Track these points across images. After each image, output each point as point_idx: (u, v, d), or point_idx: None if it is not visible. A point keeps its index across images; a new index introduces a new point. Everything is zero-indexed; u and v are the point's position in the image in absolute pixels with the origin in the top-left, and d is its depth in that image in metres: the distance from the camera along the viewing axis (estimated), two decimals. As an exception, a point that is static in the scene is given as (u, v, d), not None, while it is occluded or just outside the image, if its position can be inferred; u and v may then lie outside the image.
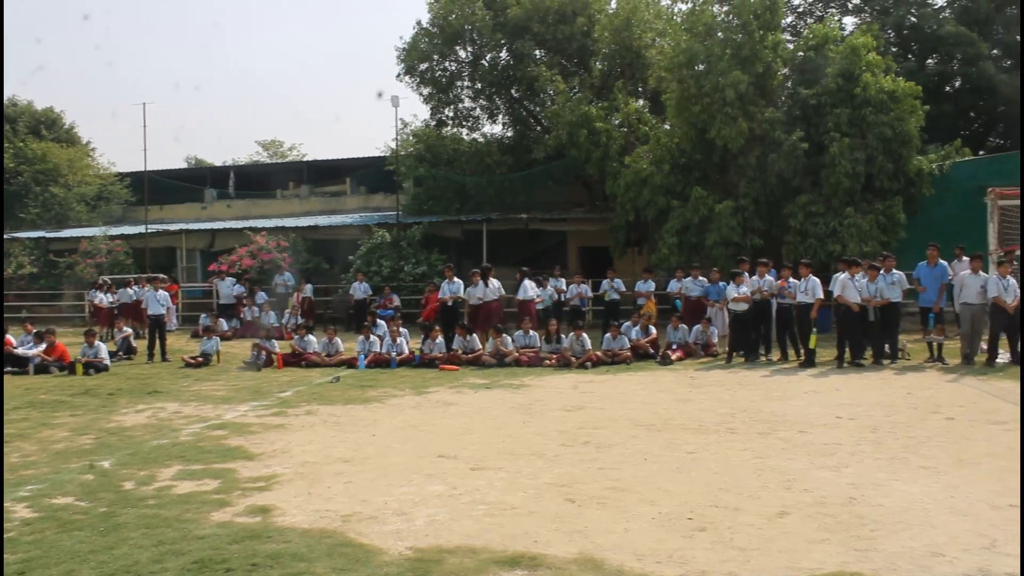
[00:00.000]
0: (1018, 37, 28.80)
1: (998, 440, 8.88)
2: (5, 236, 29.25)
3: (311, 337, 17.56)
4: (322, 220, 29.73)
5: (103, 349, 16.98)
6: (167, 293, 19.47)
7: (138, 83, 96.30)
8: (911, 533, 6.01)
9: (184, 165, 51.81)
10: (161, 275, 22.99)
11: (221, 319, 21.89)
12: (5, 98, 35.74)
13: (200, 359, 17.19)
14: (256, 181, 36.89)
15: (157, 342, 18.30)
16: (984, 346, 14.81)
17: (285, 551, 5.81)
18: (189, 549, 5.87)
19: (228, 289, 24.00)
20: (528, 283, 18.52)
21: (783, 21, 24.07)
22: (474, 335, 16.77)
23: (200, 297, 28.11)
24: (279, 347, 17.62)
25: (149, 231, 28.94)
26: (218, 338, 18.39)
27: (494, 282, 18.00)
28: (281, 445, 9.37)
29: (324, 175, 36.72)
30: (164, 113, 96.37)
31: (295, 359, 16.94)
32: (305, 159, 50.15)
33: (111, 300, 22.94)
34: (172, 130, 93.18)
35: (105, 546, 5.97)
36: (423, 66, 29.45)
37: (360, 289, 22.95)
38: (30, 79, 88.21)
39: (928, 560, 5.50)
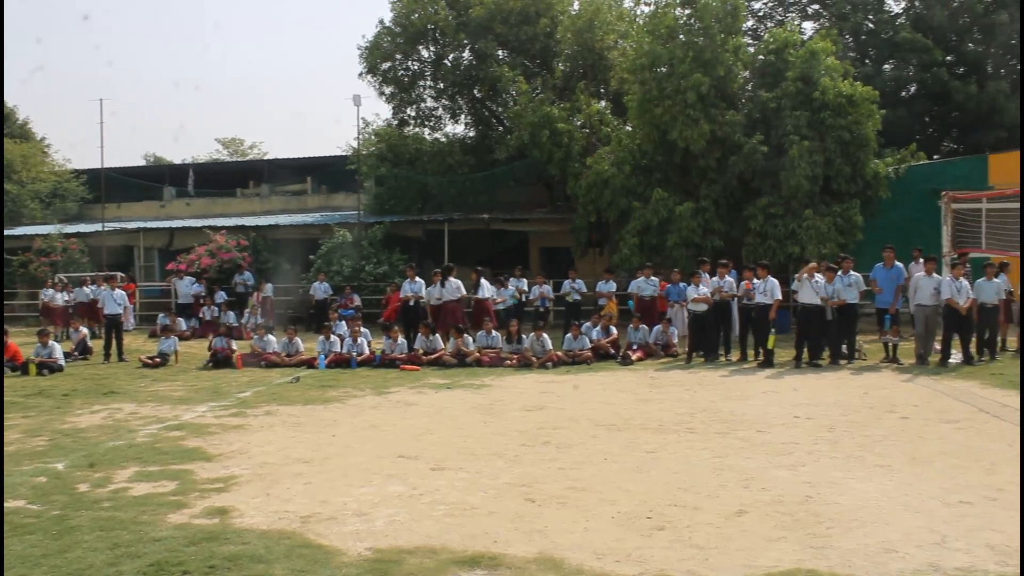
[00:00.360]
0: (971, 45, 29.36)
1: (951, 439, 9.06)
2: None
3: (271, 337, 17.42)
4: (283, 219, 29.51)
5: (57, 349, 16.68)
6: (124, 292, 19.22)
7: (95, 79, 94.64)
8: (866, 530, 6.10)
9: (143, 163, 51.12)
10: (118, 274, 22.67)
11: (179, 319, 21.66)
12: None
13: (158, 359, 16.98)
14: (216, 179, 36.50)
15: (114, 342, 18.04)
16: (938, 347, 15.07)
17: (243, 553, 5.75)
18: (145, 552, 5.79)
19: (186, 288, 23.76)
20: (484, 282, 18.54)
21: (744, 25, 24.30)
22: (436, 335, 16.74)
23: (158, 296, 27.74)
24: (238, 347, 17.46)
25: (106, 229, 28.50)
26: (176, 338, 18.17)
27: (454, 282, 18.02)
28: (240, 446, 9.28)
29: (285, 174, 36.42)
30: (122, 110, 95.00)
31: (255, 359, 16.78)
32: (266, 158, 49.73)
33: (67, 299, 22.58)
34: (130, 127, 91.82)
35: (58, 550, 5.86)
36: (385, 65, 29.33)
37: (320, 289, 22.81)
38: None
39: (882, 557, 5.58)
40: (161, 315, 22.09)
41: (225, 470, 8.15)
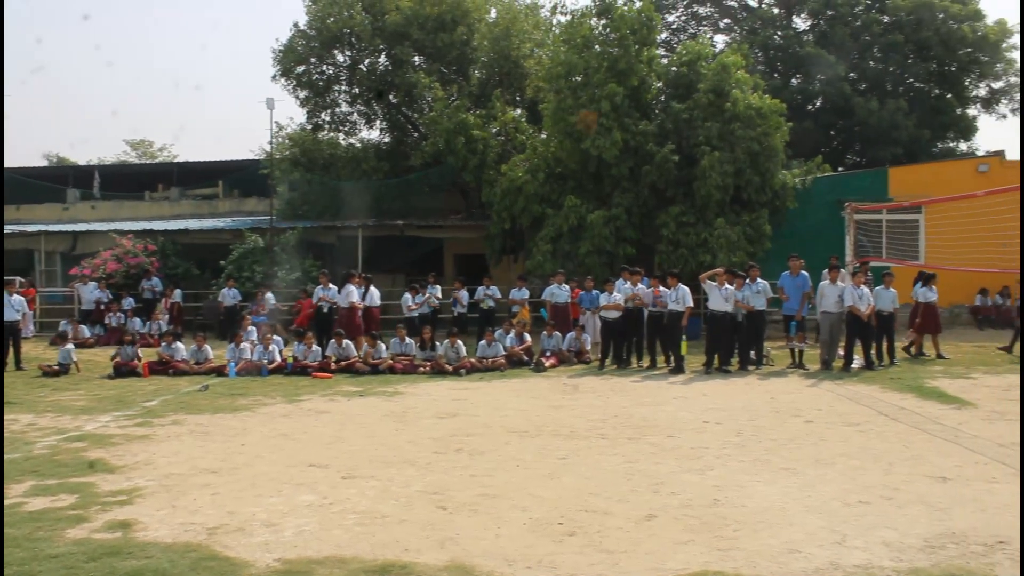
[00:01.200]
0: (872, 63, 30.48)
1: (852, 441, 9.37)
2: None
3: (179, 344, 16.97)
4: (193, 223, 28.80)
5: (-50, 358, 15.96)
6: (22, 298, 18.48)
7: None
8: (770, 532, 6.26)
9: (44, 163, 49.35)
10: (16, 279, 21.80)
11: (82, 326, 20.95)
12: None
13: (57, 367, 16.37)
14: (123, 182, 35.43)
15: (11, 350, 17.32)
16: (841, 352, 15.56)
17: (146, 567, 5.61)
18: (40, 570, 5.58)
19: (90, 294, 22.99)
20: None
21: (658, 37, 24.70)
22: (349, 342, 16.58)
23: (61, 302, 26.77)
24: (144, 355, 16.97)
25: (4, 232, 27.38)
26: (72, 345, 17.41)
27: (350, 288, 18.13)
28: (145, 457, 9.02)
29: (195, 177, 35.56)
30: (21, 106, 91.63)
31: (162, 367, 16.34)
32: (176, 160, 48.53)
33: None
34: (29, 124, 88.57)
35: (-56, 570, 5.61)
36: (300, 69, 28.91)
37: (230, 295, 22.35)
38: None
39: (785, 557, 5.74)
40: (63, 322, 21.33)
41: (129, 482, 7.92)
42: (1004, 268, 17.19)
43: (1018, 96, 30.93)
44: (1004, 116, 31.67)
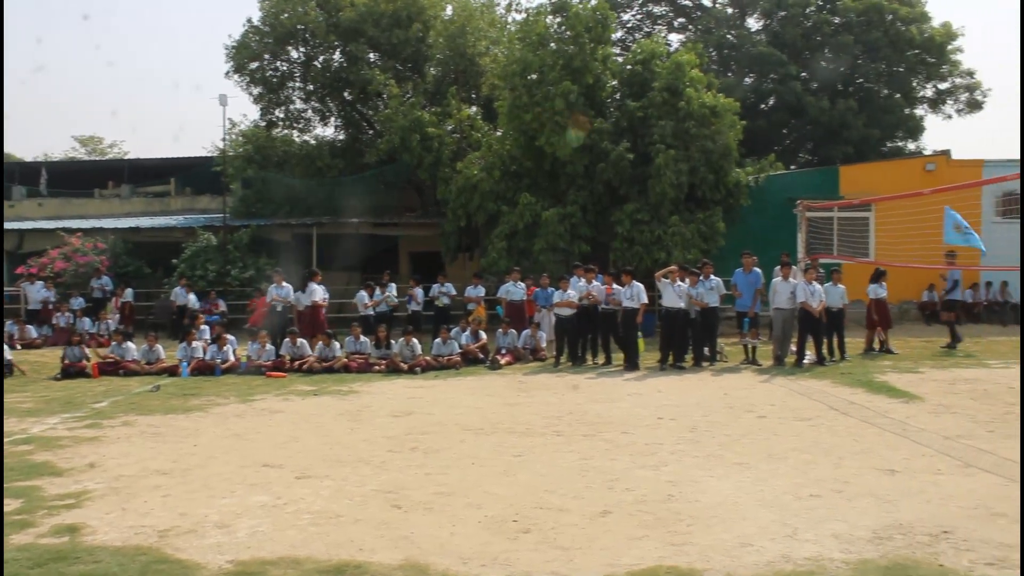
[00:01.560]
0: (823, 63, 30.91)
1: (804, 435, 9.49)
2: None
3: (130, 344, 16.68)
4: (144, 221, 28.33)
5: None
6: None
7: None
8: (723, 526, 6.32)
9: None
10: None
11: (29, 326, 20.53)
12: None
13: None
14: (72, 179, 34.74)
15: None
16: (793, 348, 15.77)
17: (94, 572, 5.51)
18: (-17, 575, 5.46)
19: (37, 294, 22.52)
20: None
21: (613, 35, 24.83)
22: (304, 341, 16.44)
23: (8, 303, 26.19)
24: (93, 355, 16.66)
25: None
26: (6, 346, 16.91)
27: (313, 287, 18.07)
28: (94, 459, 8.85)
29: (147, 175, 34.99)
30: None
31: (112, 367, 16.06)
32: (127, 157, 47.68)
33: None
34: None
35: None
36: (253, 65, 28.63)
37: (182, 294, 22.03)
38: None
39: (738, 550, 5.80)
40: (9, 322, 20.86)
41: (77, 485, 7.77)
42: (950, 265, 17.54)
43: (964, 97, 31.60)
44: (950, 116, 32.38)
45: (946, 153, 24.12)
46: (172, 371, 15.89)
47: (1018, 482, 7.34)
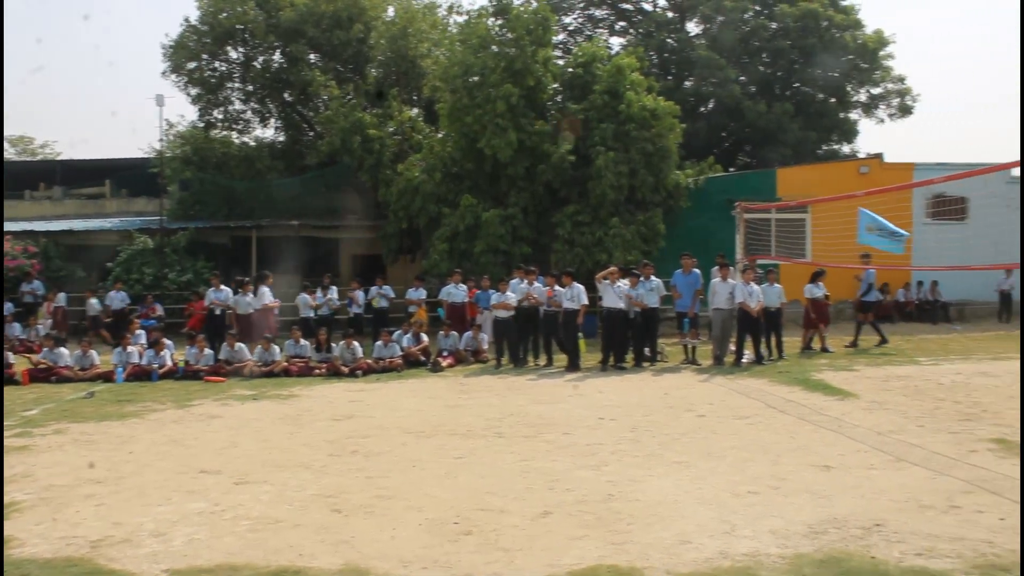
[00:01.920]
0: (761, 68, 31.42)
1: (742, 434, 9.62)
2: None
3: (63, 350, 16.23)
4: (78, 224, 27.66)
5: None
6: None
7: None
8: (663, 524, 6.37)
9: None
10: None
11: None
12: None
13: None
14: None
15: None
16: (732, 347, 15.97)
17: (22, 584, 5.35)
18: (-99, 589, 5.26)
19: (-37, 299, 21.85)
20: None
21: (554, 38, 24.91)
22: (243, 345, 16.19)
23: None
24: (15, 360, 16.20)
25: None
26: None
27: (264, 290, 17.66)
28: (23, 469, 8.60)
29: (81, 176, 34.15)
30: None
31: (44, 374, 15.62)
32: (59, 158, 46.51)
33: None
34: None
35: None
36: (191, 65, 28.14)
37: (117, 298, 21.55)
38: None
39: (677, 548, 5.85)
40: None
41: (5, 496, 7.53)
42: (881, 264, 17.97)
43: (895, 102, 32.35)
44: (882, 120, 33.12)
45: (879, 156, 24.73)
46: (107, 377, 15.51)
47: (945, 475, 7.55)
